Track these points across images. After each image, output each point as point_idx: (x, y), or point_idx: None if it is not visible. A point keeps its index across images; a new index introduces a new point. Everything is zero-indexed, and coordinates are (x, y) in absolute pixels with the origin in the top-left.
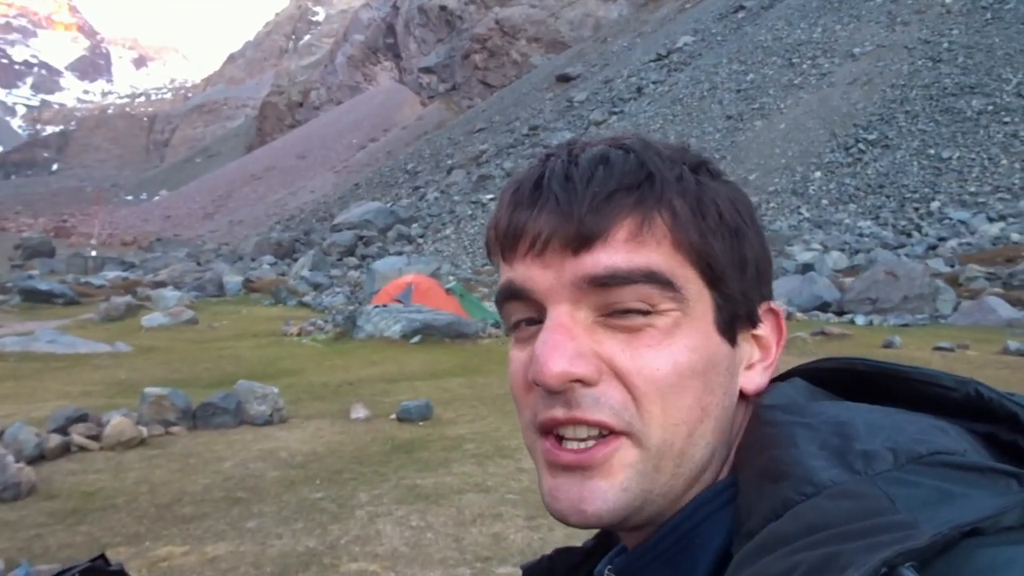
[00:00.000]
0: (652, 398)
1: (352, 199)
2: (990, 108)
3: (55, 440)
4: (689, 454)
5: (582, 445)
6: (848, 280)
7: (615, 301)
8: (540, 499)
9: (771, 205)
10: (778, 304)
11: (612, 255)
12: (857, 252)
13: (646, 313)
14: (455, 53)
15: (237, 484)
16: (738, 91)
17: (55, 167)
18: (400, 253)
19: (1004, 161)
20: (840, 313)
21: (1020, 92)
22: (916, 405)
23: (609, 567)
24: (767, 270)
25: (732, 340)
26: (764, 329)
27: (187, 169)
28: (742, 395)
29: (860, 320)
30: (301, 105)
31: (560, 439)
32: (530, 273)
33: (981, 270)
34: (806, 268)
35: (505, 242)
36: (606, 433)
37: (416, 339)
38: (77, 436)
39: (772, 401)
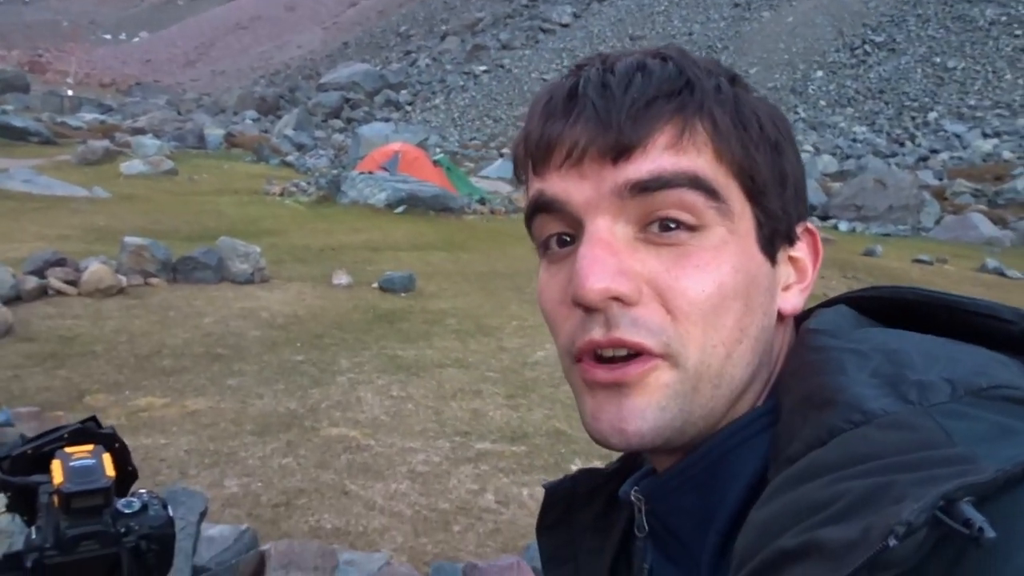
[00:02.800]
0: (694, 320)
1: (340, 59)
2: (1003, 19)
3: (32, 282)
4: (728, 375)
5: (620, 363)
6: (836, 185)
7: (658, 210)
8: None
9: None
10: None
11: (655, 161)
12: (848, 157)
13: (691, 229)
14: None
15: (217, 341)
16: None
17: None
18: (387, 119)
19: (1008, 76)
20: (824, 217)
21: None
22: (969, 338)
23: (636, 489)
24: (803, 188)
25: (773, 259)
26: (800, 250)
27: (169, 11)
28: (779, 317)
29: (843, 226)
30: None
31: (599, 358)
32: (566, 184)
33: (968, 186)
34: None
35: (537, 154)
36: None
37: (400, 209)
38: (55, 280)
39: (819, 326)
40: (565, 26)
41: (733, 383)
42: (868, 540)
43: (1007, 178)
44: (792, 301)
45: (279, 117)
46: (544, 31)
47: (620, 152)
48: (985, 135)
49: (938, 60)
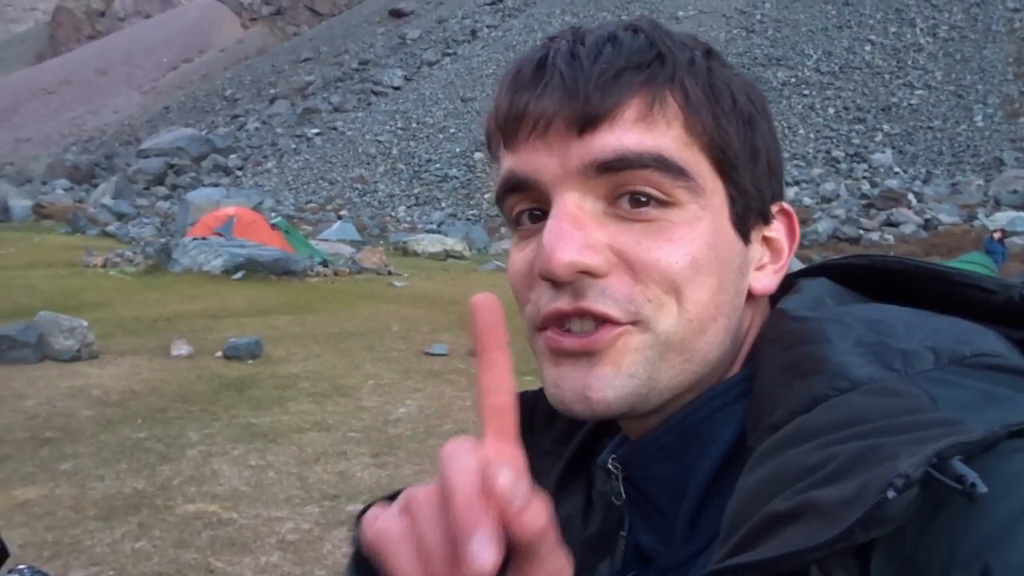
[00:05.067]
0: (666, 291)
1: (162, 124)
2: (792, 80)
3: None
4: (701, 352)
5: (588, 333)
6: None
7: (626, 185)
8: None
9: None
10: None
11: (620, 136)
12: None
13: (662, 204)
14: None
15: (44, 423)
16: None
17: None
18: (216, 185)
19: (801, 131)
20: None
21: (819, 67)
22: (951, 308)
23: (613, 457)
24: (779, 167)
25: (745, 237)
26: (776, 230)
27: None
28: (750, 296)
29: None
30: (103, 15)
31: (565, 329)
32: (533, 159)
33: None
34: None
35: (506, 127)
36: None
37: (239, 275)
38: None
39: (798, 302)
40: (397, 89)
41: (704, 360)
42: (864, 496)
43: (809, 221)
44: (765, 281)
45: (95, 186)
46: (376, 94)
47: (586, 122)
48: (786, 184)
49: None
